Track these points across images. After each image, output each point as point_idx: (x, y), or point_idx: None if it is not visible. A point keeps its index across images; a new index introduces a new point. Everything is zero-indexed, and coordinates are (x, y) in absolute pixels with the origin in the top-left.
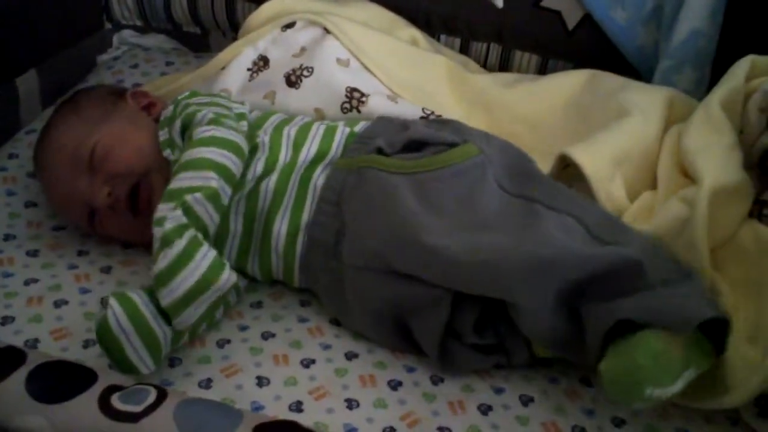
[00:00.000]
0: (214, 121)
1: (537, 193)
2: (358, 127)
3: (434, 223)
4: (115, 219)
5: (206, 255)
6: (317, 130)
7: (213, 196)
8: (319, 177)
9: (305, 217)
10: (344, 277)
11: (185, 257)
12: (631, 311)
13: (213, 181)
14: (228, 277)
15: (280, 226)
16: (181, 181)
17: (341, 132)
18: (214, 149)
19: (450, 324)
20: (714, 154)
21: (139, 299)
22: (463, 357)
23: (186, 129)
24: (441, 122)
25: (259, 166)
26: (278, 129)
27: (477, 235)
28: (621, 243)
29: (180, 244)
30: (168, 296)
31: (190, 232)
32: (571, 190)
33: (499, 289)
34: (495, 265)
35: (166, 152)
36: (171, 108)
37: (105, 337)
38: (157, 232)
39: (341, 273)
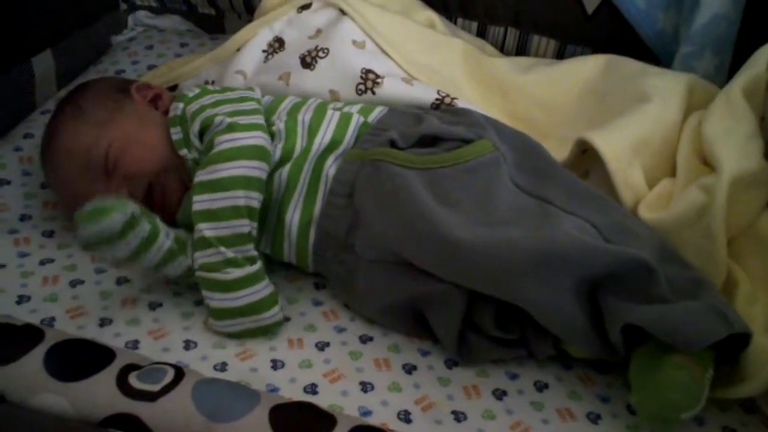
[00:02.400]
0: (231, 128)
1: (552, 194)
2: (372, 117)
3: (451, 217)
4: None
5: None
6: (332, 117)
7: (245, 213)
8: (330, 167)
9: (317, 208)
10: (357, 269)
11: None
12: (645, 322)
13: (240, 200)
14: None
15: (293, 216)
16: (211, 202)
17: (356, 121)
18: (241, 162)
19: (470, 316)
20: (734, 142)
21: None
22: (482, 349)
23: (204, 131)
24: (455, 113)
25: (276, 155)
26: (292, 115)
27: (493, 229)
28: (634, 248)
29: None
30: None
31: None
32: (587, 187)
33: (512, 283)
34: (508, 257)
35: (183, 151)
36: (180, 106)
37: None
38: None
39: (354, 265)
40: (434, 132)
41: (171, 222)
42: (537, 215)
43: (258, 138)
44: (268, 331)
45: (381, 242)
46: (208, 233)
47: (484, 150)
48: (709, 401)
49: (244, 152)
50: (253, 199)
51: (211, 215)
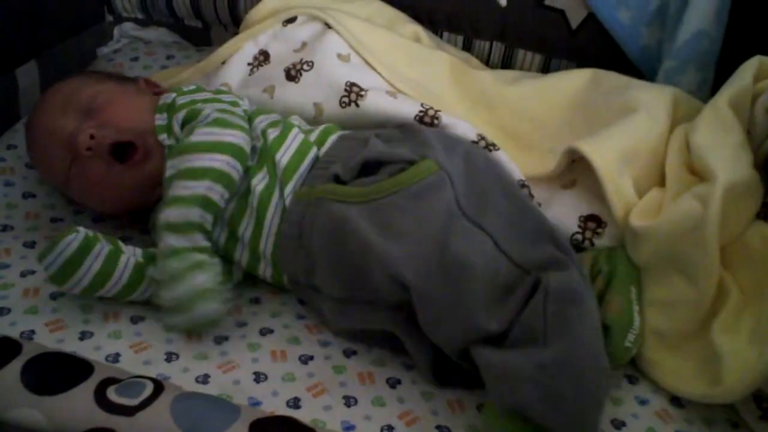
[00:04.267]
0: (217, 122)
1: (491, 226)
2: (323, 150)
3: (393, 249)
4: (92, 167)
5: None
6: (294, 138)
7: (207, 204)
8: (276, 207)
9: (268, 248)
10: (326, 306)
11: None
12: (481, 361)
13: (200, 189)
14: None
15: (265, 245)
16: (180, 189)
17: (312, 154)
18: (216, 156)
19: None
20: (725, 152)
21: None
22: (455, 376)
23: (189, 122)
24: (404, 131)
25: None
26: (264, 133)
27: (431, 263)
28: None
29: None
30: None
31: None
32: (534, 219)
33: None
34: (434, 319)
35: (162, 136)
36: (172, 95)
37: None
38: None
39: (323, 302)
40: (375, 156)
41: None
42: (473, 244)
43: (239, 138)
44: (205, 325)
45: (338, 283)
46: (164, 219)
47: (427, 171)
48: (695, 415)
49: (223, 147)
50: (215, 192)
51: (178, 201)
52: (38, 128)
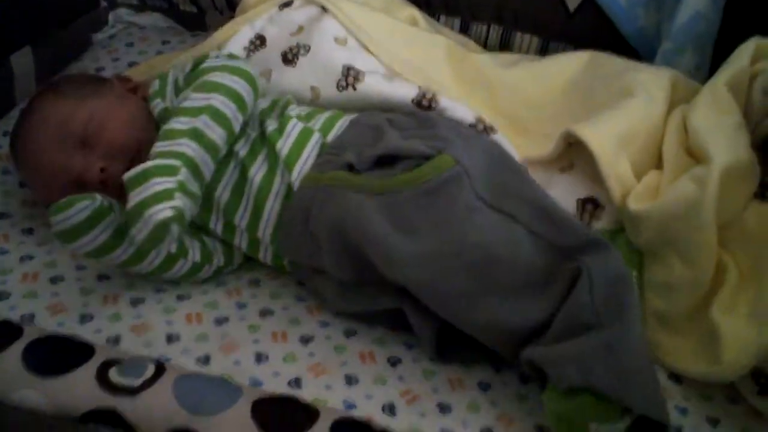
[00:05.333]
0: (230, 56)
1: (518, 211)
2: (331, 136)
3: (405, 248)
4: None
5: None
6: (292, 128)
7: (216, 115)
8: (276, 194)
9: (267, 234)
10: (329, 288)
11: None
12: (536, 359)
13: (214, 101)
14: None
15: (264, 231)
16: (193, 101)
17: (315, 141)
18: (226, 75)
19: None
20: (723, 133)
21: None
22: (458, 351)
23: (198, 65)
24: (421, 123)
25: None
26: (262, 123)
27: (449, 261)
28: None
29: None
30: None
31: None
32: (553, 204)
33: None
34: (460, 317)
35: (155, 102)
36: (157, 82)
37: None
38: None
39: (326, 284)
40: (392, 151)
41: None
42: (502, 232)
43: (249, 67)
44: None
45: (347, 268)
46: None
47: (444, 166)
48: (692, 391)
49: (230, 69)
50: (209, 126)
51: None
52: (38, 165)
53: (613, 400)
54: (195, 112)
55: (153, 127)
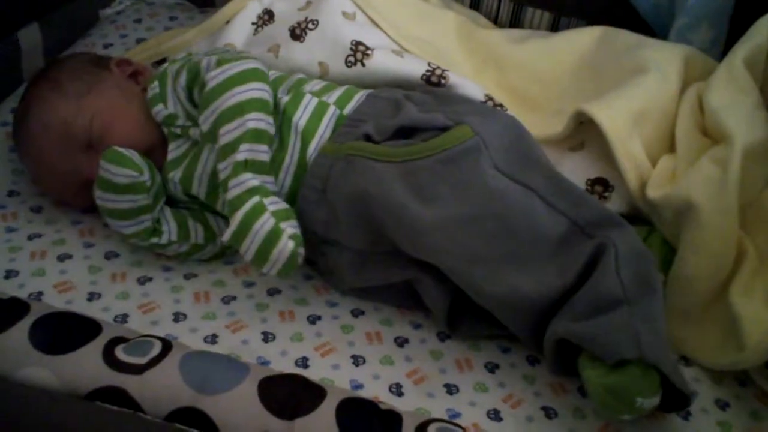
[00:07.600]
0: (220, 63)
1: (536, 184)
2: (349, 107)
3: (426, 215)
4: None
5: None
6: (308, 103)
7: (256, 136)
8: (289, 166)
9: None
10: (341, 261)
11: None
12: (569, 335)
13: (250, 122)
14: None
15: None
16: (226, 136)
17: (331, 113)
18: (238, 88)
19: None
20: (741, 112)
21: None
22: (471, 324)
23: (194, 80)
24: (438, 97)
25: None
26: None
27: (469, 228)
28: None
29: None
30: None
31: (254, 199)
32: (569, 183)
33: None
34: (479, 286)
35: (157, 107)
36: (156, 84)
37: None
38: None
39: (338, 256)
40: (411, 123)
41: None
42: (519, 202)
43: (250, 64)
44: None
45: (362, 236)
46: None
47: (462, 136)
48: (703, 375)
49: (237, 78)
50: (261, 120)
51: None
52: (46, 170)
53: (659, 370)
54: (234, 145)
55: (153, 123)
